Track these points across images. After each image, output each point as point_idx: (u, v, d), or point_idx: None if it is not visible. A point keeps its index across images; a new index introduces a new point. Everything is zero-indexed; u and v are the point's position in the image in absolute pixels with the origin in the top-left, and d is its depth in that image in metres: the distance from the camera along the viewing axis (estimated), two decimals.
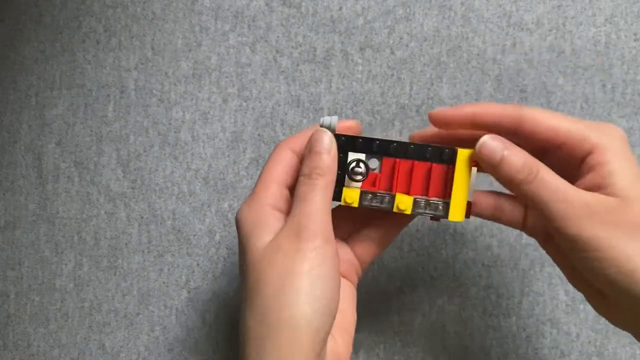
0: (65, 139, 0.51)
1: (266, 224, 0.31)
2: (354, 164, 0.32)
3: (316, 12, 0.47)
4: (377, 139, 0.32)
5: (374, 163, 0.33)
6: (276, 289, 0.29)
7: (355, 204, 0.32)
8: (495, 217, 0.34)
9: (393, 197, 0.32)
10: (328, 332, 0.29)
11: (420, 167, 0.32)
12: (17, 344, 0.51)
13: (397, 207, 0.32)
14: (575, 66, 0.44)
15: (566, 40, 0.44)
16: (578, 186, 0.30)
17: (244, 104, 0.48)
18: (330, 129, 0.32)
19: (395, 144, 0.32)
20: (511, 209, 0.34)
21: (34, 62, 0.52)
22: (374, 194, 0.33)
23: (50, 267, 0.51)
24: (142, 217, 0.49)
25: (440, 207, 0.32)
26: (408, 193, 0.32)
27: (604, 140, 0.30)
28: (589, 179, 0.30)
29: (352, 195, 0.32)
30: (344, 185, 0.32)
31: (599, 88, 0.44)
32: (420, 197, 0.32)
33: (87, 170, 0.50)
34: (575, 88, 0.44)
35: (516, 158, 0.30)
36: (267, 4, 0.48)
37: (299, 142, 0.33)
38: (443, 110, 0.33)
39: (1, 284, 0.52)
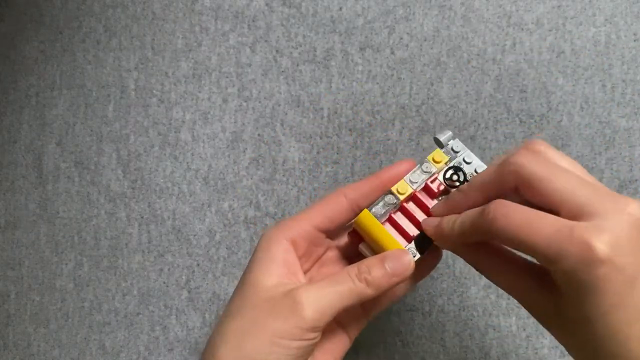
0: (65, 139, 0.51)
1: (273, 260, 0.33)
2: (451, 172, 0.35)
3: (316, 12, 0.47)
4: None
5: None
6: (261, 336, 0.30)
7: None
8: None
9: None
10: None
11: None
12: (17, 344, 0.51)
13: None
14: (575, 66, 0.44)
15: (566, 40, 0.44)
16: None
17: (244, 104, 0.48)
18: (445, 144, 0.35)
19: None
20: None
21: (34, 62, 0.52)
22: None
23: (50, 267, 0.51)
24: (142, 217, 0.49)
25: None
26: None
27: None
28: None
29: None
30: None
31: (599, 88, 0.44)
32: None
33: (87, 170, 0.50)
34: (575, 88, 0.44)
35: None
36: (267, 4, 0.48)
37: (358, 191, 0.35)
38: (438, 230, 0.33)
39: (1, 284, 0.52)
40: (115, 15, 0.50)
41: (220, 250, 0.48)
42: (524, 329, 0.43)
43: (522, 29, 0.44)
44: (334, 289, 0.31)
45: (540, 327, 0.43)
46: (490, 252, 0.31)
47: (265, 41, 0.48)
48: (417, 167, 0.35)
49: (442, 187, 0.35)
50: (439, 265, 0.44)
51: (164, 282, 0.48)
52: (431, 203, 0.34)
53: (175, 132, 0.49)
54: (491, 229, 0.27)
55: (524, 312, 0.43)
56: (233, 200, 0.48)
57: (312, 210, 0.35)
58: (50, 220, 0.51)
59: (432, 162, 0.35)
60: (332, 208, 0.34)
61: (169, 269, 0.48)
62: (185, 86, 0.49)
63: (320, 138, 0.47)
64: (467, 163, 0.35)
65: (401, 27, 0.46)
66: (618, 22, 0.44)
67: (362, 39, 0.46)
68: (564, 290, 0.26)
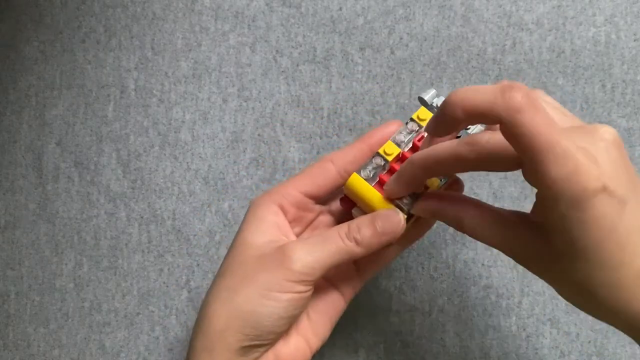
0: (65, 139, 0.51)
1: (263, 221, 0.33)
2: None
3: (316, 12, 0.47)
4: None
5: None
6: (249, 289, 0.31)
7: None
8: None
9: None
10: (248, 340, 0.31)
11: None
12: (17, 344, 0.51)
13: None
14: (575, 66, 0.44)
15: (566, 40, 0.44)
16: None
17: (244, 104, 0.48)
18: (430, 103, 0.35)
19: None
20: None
21: (34, 62, 0.52)
22: None
23: (50, 267, 0.51)
24: (142, 217, 0.49)
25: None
26: None
27: None
28: None
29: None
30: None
31: (599, 88, 0.44)
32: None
33: (87, 170, 0.50)
34: (575, 88, 0.44)
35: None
36: (267, 4, 0.48)
37: (345, 157, 0.35)
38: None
39: (1, 284, 0.52)
40: (115, 15, 0.50)
41: (220, 250, 0.48)
42: (524, 329, 0.43)
43: (522, 29, 0.44)
44: (323, 245, 0.31)
45: (540, 327, 0.43)
46: (469, 203, 0.31)
47: (265, 41, 0.48)
48: (402, 126, 0.35)
49: None
50: (438, 265, 0.44)
51: (164, 282, 0.48)
52: None
53: (175, 132, 0.49)
54: (511, 119, 0.25)
55: (524, 312, 0.43)
56: (233, 200, 0.48)
57: (299, 177, 0.35)
58: (50, 220, 0.51)
59: (417, 120, 0.35)
60: (319, 174, 0.35)
61: (169, 269, 0.48)
62: (185, 86, 0.49)
63: (320, 138, 0.47)
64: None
65: (401, 27, 0.46)
66: (618, 22, 0.44)
67: (362, 39, 0.46)
68: (556, 223, 0.26)
